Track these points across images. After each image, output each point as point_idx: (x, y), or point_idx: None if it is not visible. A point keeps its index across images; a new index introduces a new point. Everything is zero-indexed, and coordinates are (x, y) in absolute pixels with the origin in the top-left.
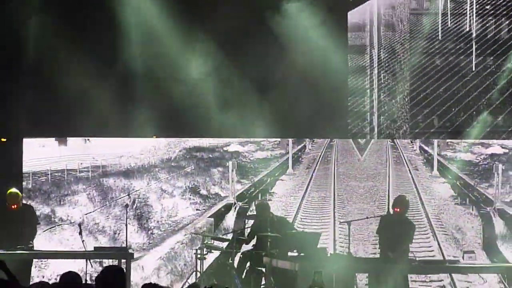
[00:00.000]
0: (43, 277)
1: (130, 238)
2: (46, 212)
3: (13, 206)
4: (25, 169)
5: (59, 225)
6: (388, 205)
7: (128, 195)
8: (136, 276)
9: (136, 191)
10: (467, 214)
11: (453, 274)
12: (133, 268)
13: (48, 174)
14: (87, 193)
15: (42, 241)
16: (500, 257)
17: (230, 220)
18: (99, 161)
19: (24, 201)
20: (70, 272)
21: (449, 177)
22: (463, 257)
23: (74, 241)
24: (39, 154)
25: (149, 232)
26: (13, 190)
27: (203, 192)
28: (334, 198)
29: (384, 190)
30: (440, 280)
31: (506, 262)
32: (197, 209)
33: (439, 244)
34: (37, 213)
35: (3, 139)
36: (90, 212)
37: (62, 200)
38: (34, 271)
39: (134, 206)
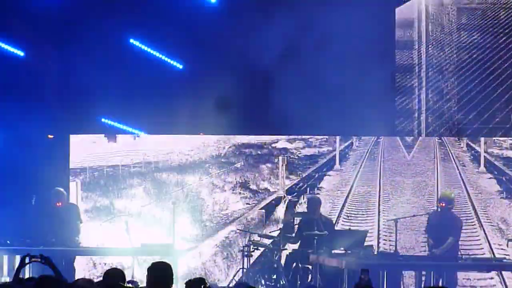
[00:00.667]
0: (105, 264)
1: (184, 229)
2: (106, 204)
3: (57, 204)
4: (81, 164)
5: (119, 216)
6: (437, 199)
7: (182, 189)
8: (194, 262)
9: (189, 185)
10: None
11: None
12: (192, 256)
13: (103, 169)
14: (143, 187)
15: (102, 231)
16: None
17: (280, 212)
18: (150, 157)
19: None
20: (114, 269)
21: (495, 173)
22: (507, 245)
23: (133, 231)
24: (91, 150)
25: (202, 224)
26: (58, 188)
27: (253, 187)
28: (379, 192)
29: (433, 185)
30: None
31: None
32: (247, 203)
33: (485, 234)
34: (97, 205)
35: (50, 136)
36: (147, 205)
37: (120, 193)
38: (96, 258)
39: (187, 200)
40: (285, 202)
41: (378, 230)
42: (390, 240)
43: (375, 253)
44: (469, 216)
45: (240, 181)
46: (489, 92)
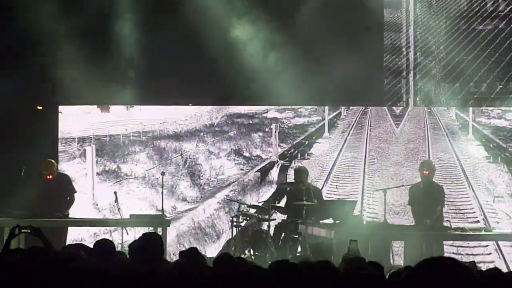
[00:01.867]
0: (95, 235)
1: (185, 192)
2: (113, 168)
3: (48, 177)
4: (82, 133)
5: (126, 179)
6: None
7: (181, 155)
8: (200, 217)
9: (187, 152)
10: (498, 170)
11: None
12: (198, 213)
13: (106, 137)
14: (146, 153)
15: (113, 192)
16: None
17: (274, 175)
18: (147, 126)
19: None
20: (104, 240)
21: (483, 140)
22: (493, 201)
23: (139, 192)
24: (88, 120)
25: (201, 187)
26: (48, 160)
27: (246, 154)
28: (365, 156)
29: (425, 151)
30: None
31: None
32: (241, 169)
33: (474, 192)
34: (105, 168)
35: (39, 107)
36: (151, 169)
37: (125, 158)
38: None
39: (186, 165)
40: (278, 166)
41: (363, 190)
42: (373, 197)
43: (364, 223)
44: (459, 178)
45: (234, 148)
46: (481, 62)
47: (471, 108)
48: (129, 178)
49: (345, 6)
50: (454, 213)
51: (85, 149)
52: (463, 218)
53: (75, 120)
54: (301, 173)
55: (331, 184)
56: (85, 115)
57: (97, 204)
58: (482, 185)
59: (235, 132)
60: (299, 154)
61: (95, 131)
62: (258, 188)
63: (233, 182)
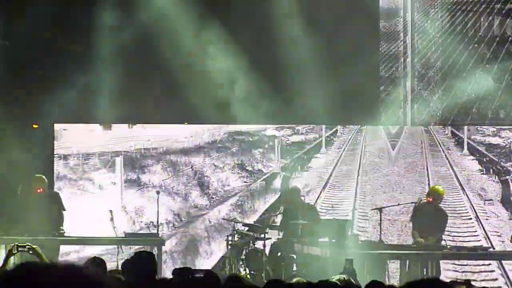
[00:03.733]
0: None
1: (196, 200)
2: (134, 178)
3: (38, 190)
4: (103, 149)
5: (147, 187)
6: (428, 177)
7: (191, 168)
8: (216, 217)
9: (195, 165)
10: (490, 181)
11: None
12: (212, 213)
13: (121, 153)
14: (161, 165)
15: (136, 198)
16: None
17: (277, 183)
18: (155, 143)
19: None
20: (94, 258)
21: (477, 155)
22: (484, 203)
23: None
24: (95, 137)
25: (209, 196)
26: (38, 175)
27: (249, 168)
28: (359, 169)
29: (423, 165)
30: (489, 264)
31: None
32: (244, 182)
33: (468, 197)
34: (128, 178)
35: (35, 126)
36: (166, 179)
37: (143, 170)
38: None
39: (196, 177)
40: (280, 176)
41: (355, 196)
42: (364, 201)
43: (360, 242)
44: (455, 186)
45: (237, 163)
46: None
47: (465, 127)
48: (148, 186)
49: (340, 24)
50: (450, 212)
51: (114, 159)
52: (457, 216)
53: (76, 137)
54: (294, 193)
55: (327, 193)
56: (88, 132)
57: (125, 207)
58: (475, 192)
59: (237, 149)
60: (299, 167)
61: (107, 148)
62: (265, 194)
63: (238, 192)
